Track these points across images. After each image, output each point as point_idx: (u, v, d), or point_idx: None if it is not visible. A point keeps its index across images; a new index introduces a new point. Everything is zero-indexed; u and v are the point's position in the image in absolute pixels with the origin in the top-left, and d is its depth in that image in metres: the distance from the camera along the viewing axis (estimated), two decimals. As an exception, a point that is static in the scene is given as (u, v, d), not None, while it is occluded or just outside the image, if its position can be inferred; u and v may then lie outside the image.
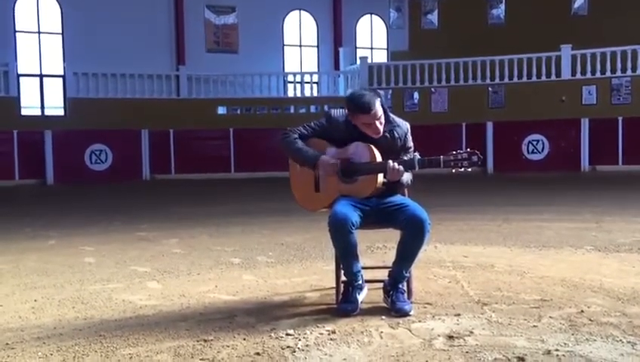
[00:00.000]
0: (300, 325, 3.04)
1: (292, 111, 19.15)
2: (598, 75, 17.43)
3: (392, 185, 3.30)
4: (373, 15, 21.74)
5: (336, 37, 21.02)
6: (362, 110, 3.19)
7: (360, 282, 3.28)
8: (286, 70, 20.40)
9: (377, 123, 3.23)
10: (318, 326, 3.00)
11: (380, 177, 3.27)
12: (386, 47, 21.84)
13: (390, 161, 3.16)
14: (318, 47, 21.23)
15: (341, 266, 3.31)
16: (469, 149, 3.18)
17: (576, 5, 20.41)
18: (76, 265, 4.99)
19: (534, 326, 2.89)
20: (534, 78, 17.92)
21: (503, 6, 21.02)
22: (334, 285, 3.81)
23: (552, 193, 10.82)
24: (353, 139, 3.30)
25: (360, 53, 20.79)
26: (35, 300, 3.80)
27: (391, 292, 3.20)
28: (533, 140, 16.54)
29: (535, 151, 16.51)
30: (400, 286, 3.23)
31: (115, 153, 16.52)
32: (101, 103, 17.48)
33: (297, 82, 19.56)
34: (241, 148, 17.36)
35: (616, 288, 3.67)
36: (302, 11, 20.88)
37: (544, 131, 16.44)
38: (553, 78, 17.87)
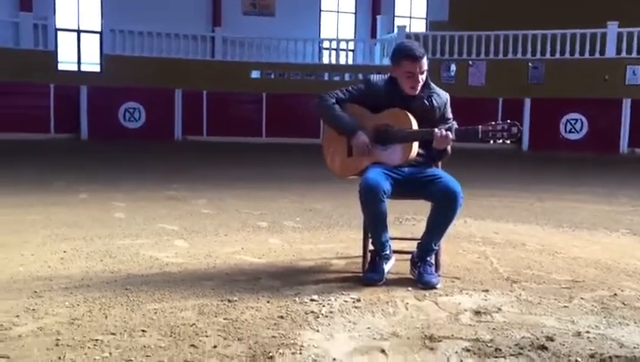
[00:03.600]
0: (324, 291, 3.01)
1: (326, 78, 18.99)
2: (644, 54, 16.89)
3: (429, 155, 3.21)
4: (413, -17, 21.30)
5: (375, 4, 20.68)
6: (410, 56, 3.12)
7: (387, 252, 3.23)
8: (322, 36, 20.18)
9: (420, 76, 3.14)
10: (342, 294, 2.97)
11: (415, 146, 3.19)
12: (425, 16, 21.41)
13: (436, 129, 3.08)
14: (355, 14, 20.93)
15: (369, 235, 3.26)
16: (509, 121, 3.07)
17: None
18: (106, 219, 5.04)
19: (565, 306, 2.81)
20: (577, 55, 17.43)
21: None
22: (361, 254, 3.79)
23: (588, 174, 10.58)
24: (392, 104, 3.22)
25: (398, 21, 20.44)
26: (65, 251, 3.84)
27: (418, 264, 3.15)
28: (571, 119, 16.14)
29: (573, 130, 16.12)
30: (428, 258, 3.17)
31: (149, 112, 16.62)
32: (136, 61, 17.54)
33: (333, 49, 19.34)
34: (273, 112, 17.30)
35: (651, 273, 3.56)
36: (341, -24, 20.56)
37: (583, 110, 16.01)
38: (597, 55, 17.35)
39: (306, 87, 18.20)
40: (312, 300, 2.87)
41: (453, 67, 18.35)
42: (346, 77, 18.76)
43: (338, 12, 20.78)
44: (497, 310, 2.73)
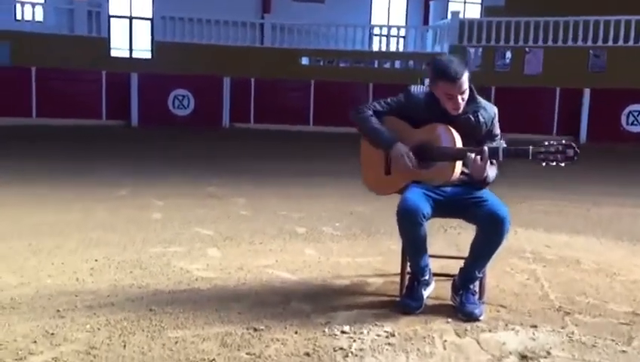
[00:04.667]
0: (357, 321, 2.81)
1: (376, 65, 18.64)
2: None
3: (473, 181, 2.94)
4: (469, -33, 20.62)
5: (428, -11, 20.15)
6: (447, 77, 2.83)
7: (427, 277, 3.00)
8: (372, 22, 19.79)
9: (460, 97, 2.87)
10: (376, 325, 2.77)
11: (459, 165, 2.93)
12: (480, 1, 20.71)
13: (473, 154, 2.81)
14: (407, -1, 20.46)
15: (408, 257, 3.03)
16: (564, 141, 2.77)
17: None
18: (142, 221, 4.97)
19: (623, 351, 2.53)
20: (641, 42, 16.55)
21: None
22: (399, 271, 3.58)
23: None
24: (433, 119, 2.96)
25: (452, 7, 19.85)
26: (96, 260, 3.76)
27: (460, 292, 2.91)
28: (634, 111, 15.34)
29: (635, 122, 15.34)
30: (471, 286, 2.93)
31: (198, 99, 16.66)
32: (186, 48, 17.60)
33: (383, 35, 18.95)
34: (322, 100, 17.07)
35: None
36: (393, -39, 20.08)
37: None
38: (664, 42, 16.43)
39: (356, 74, 17.93)
40: (342, 332, 2.67)
41: (508, 54, 17.71)
42: (397, 64, 18.37)
43: (390, -3, 20.34)
44: (546, 354, 2.47)
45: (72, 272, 3.51)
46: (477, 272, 2.94)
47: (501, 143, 2.88)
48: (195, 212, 5.40)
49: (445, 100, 2.89)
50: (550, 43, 17.32)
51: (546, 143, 2.76)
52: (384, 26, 19.15)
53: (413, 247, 2.93)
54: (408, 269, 3.13)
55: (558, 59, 16.95)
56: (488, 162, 2.82)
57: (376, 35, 19.04)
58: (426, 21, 19.84)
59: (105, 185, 6.70)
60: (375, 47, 18.97)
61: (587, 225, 5.33)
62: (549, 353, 2.48)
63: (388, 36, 18.83)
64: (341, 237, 4.65)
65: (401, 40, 19.29)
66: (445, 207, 2.93)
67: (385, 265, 3.82)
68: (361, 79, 17.51)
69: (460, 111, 2.92)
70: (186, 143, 12.64)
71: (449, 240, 4.54)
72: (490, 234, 2.80)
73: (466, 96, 2.90)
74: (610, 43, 16.89)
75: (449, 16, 18.76)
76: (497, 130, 3.03)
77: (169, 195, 6.15)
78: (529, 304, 3.13)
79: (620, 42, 16.80)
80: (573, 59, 16.88)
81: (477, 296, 2.94)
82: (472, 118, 2.96)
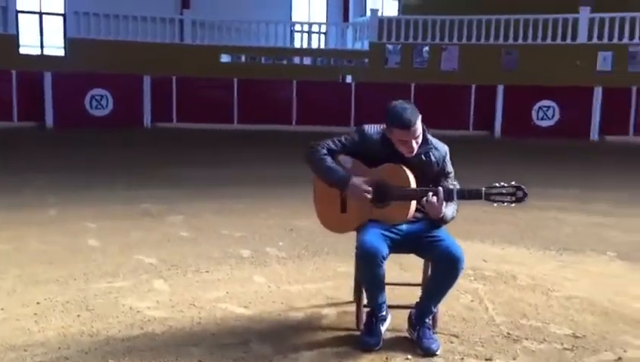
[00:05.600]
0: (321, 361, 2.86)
1: (297, 62, 18.67)
2: (615, 40, 16.93)
3: (430, 219, 3.04)
4: (386, -36, 20.96)
5: (347, -14, 20.34)
6: (402, 125, 2.91)
7: (384, 313, 3.08)
8: (293, 19, 19.79)
9: (414, 141, 2.96)
10: (340, 366, 2.83)
11: (414, 204, 3.02)
12: (397, -2, 21.16)
13: (430, 194, 2.90)
14: (327, -5, 20.58)
15: (366, 294, 3.09)
16: (513, 183, 2.93)
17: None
18: (79, 249, 4.79)
19: (573, 382, 2.71)
20: (549, 40, 17.41)
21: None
22: (351, 299, 3.66)
23: (563, 168, 10.62)
24: (387, 158, 3.04)
25: (370, 4, 20.14)
26: (38, 303, 3.60)
27: (417, 327, 3.01)
28: (544, 106, 16.18)
29: (545, 117, 16.18)
30: (427, 320, 3.03)
31: (116, 99, 16.13)
32: (102, 45, 16.98)
33: (305, 32, 18.99)
34: (246, 98, 16.94)
35: (648, 320, 3.50)
36: (313, -43, 20.12)
37: (556, 97, 16.06)
38: (569, 41, 17.36)
39: (278, 71, 17.90)
40: (309, 378, 2.71)
41: (425, 51, 18.15)
42: (318, 61, 18.47)
43: (310, -6, 20.39)
44: (504, 391, 2.61)
45: (15, 320, 3.35)
46: (432, 307, 3.05)
47: (455, 185, 2.99)
48: (133, 235, 5.26)
49: (399, 145, 2.97)
50: (465, 41, 17.92)
51: (498, 185, 2.90)
52: (305, 22, 19.21)
53: (372, 287, 3.00)
54: (364, 302, 3.21)
55: (474, 57, 17.59)
56: (444, 202, 2.92)
57: (297, 31, 19.07)
58: (346, 18, 20.05)
59: (31, 205, 6.40)
60: (297, 44, 18.98)
61: (516, 234, 5.61)
62: (506, 389, 2.62)
63: (309, 33, 18.90)
64: (286, 259, 4.67)
65: (322, 37, 19.40)
66: (401, 245, 3.01)
67: (336, 292, 3.88)
68: (284, 76, 17.52)
69: (414, 153, 3.00)
70: (107, 147, 12.24)
71: (393, 259, 4.63)
72: (445, 272, 2.91)
73: (419, 140, 2.99)
74: (520, 41, 17.67)
75: (368, 13, 19.03)
76: (450, 168, 3.14)
77: (101, 215, 5.95)
78: (479, 331, 3.28)
79: (530, 40, 17.61)
80: (487, 56, 17.56)
81: (432, 331, 3.05)
82: (425, 158, 3.06)
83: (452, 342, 3.11)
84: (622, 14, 16.73)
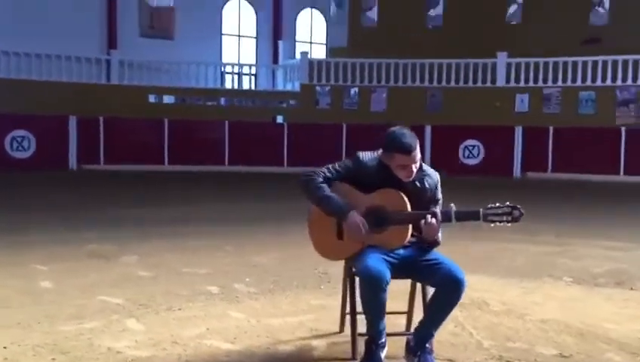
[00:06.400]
0: (327, 393, 2.79)
1: (226, 103, 18.62)
2: (531, 83, 17.97)
3: (424, 242, 3.07)
4: (313, 9, 21.47)
5: (276, 29, 20.67)
6: (403, 150, 2.96)
7: (384, 340, 3.06)
8: (223, 60, 19.82)
9: (413, 166, 3.01)
10: (348, 396, 2.76)
11: (410, 228, 3.05)
12: (324, 42, 21.65)
13: (429, 216, 2.95)
14: (256, 38, 20.78)
15: (366, 321, 3.04)
16: (508, 203, 3.02)
17: (510, 12, 20.71)
18: (34, 291, 4.51)
19: (579, 398, 2.77)
20: (471, 83, 18.26)
21: (440, 8, 21.07)
22: (337, 330, 3.63)
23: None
24: (382, 184, 3.07)
25: (299, 47, 20.51)
26: (5, 347, 3.33)
27: (418, 353, 3.00)
28: (469, 145, 16.86)
29: (471, 156, 16.85)
30: (427, 345, 3.04)
31: (39, 140, 15.50)
32: (25, 85, 16.33)
33: (235, 73, 19.04)
34: (177, 139, 16.70)
35: (622, 338, 3.64)
36: (241, 0, 20.31)
37: (480, 137, 16.78)
38: (489, 84, 18.28)
39: (209, 112, 17.80)
40: (320, 409, 2.63)
41: (353, 93, 18.56)
42: (249, 102, 18.51)
43: (239, 36, 20.52)
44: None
45: (-17, 367, 3.08)
46: (433, 331, 3.06)
47: (452, 207, 3.04)
48: (88, 276, 5.00)
49: (399, 170, 3.01)
50: (392, 83, 18.51)
51: (495, 205, 2.98)
52: (235, 64, 19.26)
53: (376, 313, 2.98)
54: (359, 331, 3.18)
55: (401, 98, 18.16)
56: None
57: (228, 72, 19.08)
58: (275, 60, 20.28)
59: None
60: (227, 85, 18.97)
61: (474, 264, 5.71)
62: (520, 408, 2.65)
63: (240, 74, 18.96)
64: (258, 294, 4.57)
65: (253, 78, 19.51)
66: (400, 270, 3.02)
67: (318, 324, 3.82)
68: (215, 117, 17.43)
69: (412, 178, 3.05)
70: (34, 189, 11.65)
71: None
72: (448, 295, 2.94)
73: (417, 164, 3.04)
74: (444, 84, 18.44)
75: (297, 55, 19.34)
76: (440, 195, 3.21)
77: (49, 258, 5.62)
78: (471, 355, 3.31)
79: (452, 83, 18.40)
80: (413, 98, 18.18)
81: (433, 356, 3.05)
82: (419, 185, 3.11)
83: (450, 367, 3.12)
84: (535, 59, 17.82)
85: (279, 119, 18.40)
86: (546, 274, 5.40)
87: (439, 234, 3.04)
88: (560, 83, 17.74)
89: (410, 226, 3.05)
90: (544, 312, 4.19)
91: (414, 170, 3.03)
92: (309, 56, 19.06)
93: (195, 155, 16.46)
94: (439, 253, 3.11)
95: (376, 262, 2.90)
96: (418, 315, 3.55)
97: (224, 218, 8.49)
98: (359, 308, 3.14)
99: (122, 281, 4.87)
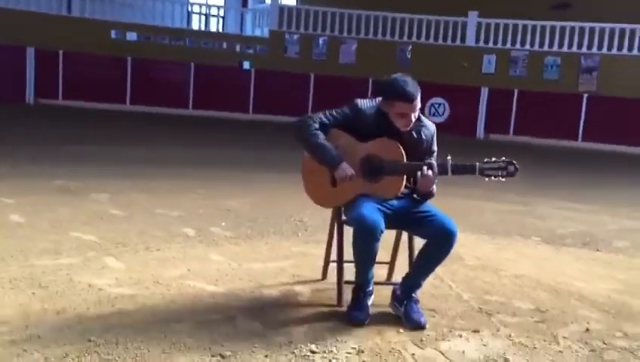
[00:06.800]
0: (317, 337, 2.80)
1: (194, 44, 18.11)
2: (499, 45, 18.03)
3: (413, 190, 3.08)
4: (285, -48, 20.86)
5: (246, -29, 20.03)
6: (405, 98, 2.92)
7: (371, 288, 3.09)
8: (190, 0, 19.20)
9: (412, 115, 2.99)
10: (338, 340, 2.78)
11: (405, 179, 3.05)
12: (296, -12, 21.15)
13: (425, 168, 2.94)
14: (226, -22, 20.14)
15: (356, 268, 3.03)
16: (504, 158, 3.03)
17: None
18: (5, 225, 4.36)
19: (560, 351, 2.86)
20: (440, 41, 18.21)
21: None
22: (320, 278, 3.65)
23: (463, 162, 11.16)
24: (380, 132, 3.03)
25: (270, -9, 19.97)
26: (-21, 279, 3.23)
27: (405, 302, 3.03)
28: (435, 103, 16.94)
29: (436, 113, 16.94)
30: (414, 294, 3.07)
31: (-5, 71, 14.84)
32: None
33: (202, 14, 18.48)
34: (140, 79, 16.23)
35: (593, 296, 3.77)
36: (212, -63, 19.60)
37: (446, 95, 16.84)
38: (458, 42, 18.26)
39: (174, 52, 17.30)
40: (312, 352, 2.65)
41: (322, 42, 18.29)
42: (217, 45, 18.05)
43: (208, -25, 19.86)
44: (505, 361, 2.71)
45: (-40, 298, 2.98)
46: (422, 281, 3.10)
47: (448, 160, 3.04)
48: (59, 212, 4.87)
49: (397, 118, 2.98)
50: (363, 35, 18.29)
51: (492, 160, 2.99)
52: (203, 4, 18.68)
53: (367, 261, 2.98)
54: (346, 278, 3.20)
55: (370, 51, 17.99)
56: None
57: (194, 13, 18.50)
58: (244, 3, 19.74)
59: None
60: (194, 26, 18.42)
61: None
62: (506, 359, 2.72)
63: (207, 15, 18.41)
64: (236, 238, 4.54)
65: (221, 20, 18.98)
66: (393, 220, 3.02)
67: (300, 271, 3.82)
68: (181, 57, 16.97)
69: (409, 127, 3.03)
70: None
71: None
72: (440, 247, 2.96)
73: (417, 114, 3.02)
74: (414, 39, 18.33)
75: (268, 0, 18.87)
76: (435, 147, 3.20)
77: (14, 191, 5.46)
78: (453, 306, 3.37)
79: (422, 39, 18.31)
80: (382, 52, 18.02)
81: (419, 305, 3.09)
82: (416, 136, 3.09)
83: (433, 316, 3.17)
84: (505, 20, 17.84)
85: (246, 65, 18.02)
86: (516, 232, 5.53)
87: (434, 186, 3.04)
88: (527, 46, 17.85)
89: (405, 177, 3.05)
90: (517, 268, 4.30)
91: (413, 119, 3.00)
92: (279, 1, 18.60)
93: (158, 96, 16.07)
94: (432, 205, 3.12)
95: (371, 211, 2.89)
96: (399, 266, 3.62)
97: (189, 161, 8.37)
98: (346, 256, 3.17)
99: (95, 219, 4.76)
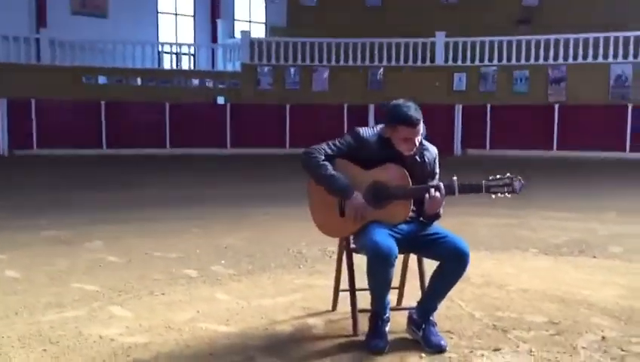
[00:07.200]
0: (341, 370, 2.78)
1: (168, 84, 18.13)
2: (468, 62, 18.37)
3: (419, 214, 3.10)
4: (251, -13, 21.13)
5: (214, 8, 20.19)
6: (409, 123, 2.96)
7: (388, 314, 3.08)
8: (160, 40, 19.23)
9: (416, 139, 3.02)
10: (363, 371, 2.77)
11: (411, 203, 3.07)
12: (264, 21, 21.35)
13: (432, 190, 2.97)
14: (194, 17, 20.25)
15: (372, 296, 3.03)
16: (508, 174, 3.07)
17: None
18: (1, 282, 4.27)
19: (582, 361, 2.88)
20: (411, 62, 18.49)
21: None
22: (329, 308, 3.64)
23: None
24: (383, 159, 3.06)
25: (238, 26, 20.15)
26: (-12, 340, 3.15)
27: (423, 326, 3.03)
28: (411, 124, 17.08)
29: (413, 134, 17.07)
30: (431, 318, 3.07)
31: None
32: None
33: (173, 53, 18.53)
34: (115, 122, 16.18)
35: (601, 303, 3.80)
36: (177, -23, 19.76)
37: (422, 115, 16.99)
38: (428, 63, 18.56)
39: (148, 93, 17.29)
40: (339, 385, 2.63)
41: (294, 72, 18.43)
42: (190, 82, 18.06)
43: (176, 14, 19.95)
44: (531, 376, 2.72)
45: (-30, 361, 2.90)
46: (438, 304, 3.10)
47: (454, 180, 3.07)
48: (56, 263, 4.79)
49: (402, 142, 3.01)
50: (333, 62, 18.51)
51: (497, 177, 3.03)
52: (173, 43, 18.75)
53: (383, 288, 2.98)
54: (361, 307, 3.19)
55: (342, 78, 18.20)
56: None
57: (166, 52, 18.54)
58: (214, 39, 19.85)
59: None
60: (166, 65, 18.45)
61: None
62: (532, 374, 2.73)
63: (178, 54, 18.46)
64: (238, 275, 4.50)
65: (192, 58, 19.04)
66: (404, 245, 3.03)
67: (309, 303, 3.80)
68: (154, 99, 16.96)
69: (413, 151, 3.06)
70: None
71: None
72: (454, 268, 2.98)
73: (420, 138, 3.05)
74: (385, 63, 18.58)
75: (237, 34, 19.00)
76: (437, 169, 3.23)
77: (5, 245, 5.35)
78: (467, 326, 3.38)
79: (392, 62, 18.58)
80: (355, 77, 18.26)
81: (437, 327, 3.09)
82: (419, 159, 3.12)
83: (451, 338, 3.17)
84: (472, 39, 18.21)
85: (220, 100, 18.07)
86: (513, 246, 5.58)
87: (441, 208, 3.07)
88: (496, 62, 18.22)
89: (412, 201, 3.07)
90: (521, 282, 4.33)
91: (417, 143, 3.04)
92: (249, 35, 18.75)
93: (134, 138, 16.02)
94: (440, 227, 3.14)
95: (384, 237, 2.90)
96: (408, 291, 3.62)
97: (177, 201, 8.33)
98: (358, 284, 3.17)
99: (94, 268, 4.69)
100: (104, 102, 16.03)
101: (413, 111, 2.99)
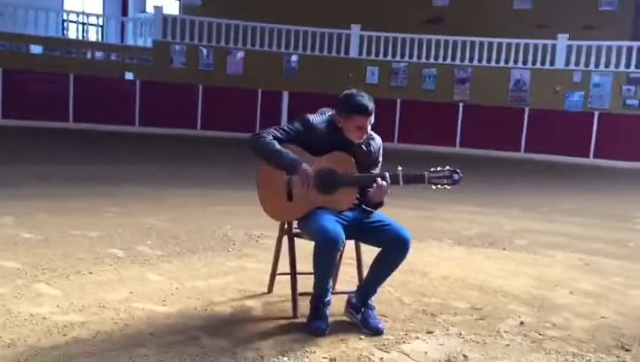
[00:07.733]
0: (286, 350, 2.85)
1: (73, 55, 17.27)
2: (381, 57, 18.81)
3: (362, 201, 3.22)
4: (166, -39, 20.45)
5: (126, -21, 19.42)
6: (361, 111, 3.06)
7: (329, 298, 3.18)
8: (66, 8, 18.25)
9: (368, 127, 3.14)
10: (307, 351, 2.85)
11: (357, 190, 3.18)
12: (178, -2, 20.80)
13: (379, 179, 3.09)
14: (104, -14, 19.41)
15: (315, 279, 3.11)
16: (448, 167, 3.25)
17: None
18: None
19: (507, 344, 3.11)
20: (326, 52, 18.68)
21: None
22: (264, 291, 3.70)
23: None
24: (331, 146, 3.15)
25: (150, 0, 19.49)
26: None
27: (362, 309, 3.16)
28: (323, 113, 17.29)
29: (325, 123, 17.31)
30: (370, 301, 3.21)
31: None
32: None
33: (80, 23, 17.66)
34: (12, 91, 15.22)
35: (515, 292, 4.10)
36: (87, -57, 18.81)
37: (335, 105, 17.25)
38: (342, 54, 18.83)
39: (51, 63, 16.39)
40: (286, 364, 2.70)
41: (206, 52, 18.09)
42: (97, 55, 17.31)
43: (85, -17, 19.02)
44: (464, 357, 2.90)
45: None
46: (377, 289, 3.24)
47: (400, 170, 3.20)
48: (-34, 238, 4.52)
49: (354, 130, 3.11)
50: (249, 46, 18.35)
51: (438, 169, 3.21)
52: (80, 12, 17.85)
53: (327, 271, 3.07)
54: (301, 290, 3.28)
55: (258, 63, 18.08)
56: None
57: (72, 21, 17.63)
58: (124, 12, 19.10)
59: None
60: (71, 35, 17.54)
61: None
62: (465, 356, 2.92)
63: (85, 24, 17.62)
64: (168, 256, 4.45)
65: (100, 30, 18.23)
66: (349, 231, 3.13)
67: (244, 286, 3.84)
68: (58, 69, 16.11)
69: (363, 139, 3.17)
70: None
71: (264, 248, 4.71)
72: (395, 255, 3.12)
73: (370, 127, 3.17)
74: (300, 51, 18.66)
75: (149, 9, 18.39)
76: (381, 158, 3.37)
77: None
78: (399, 310, 3.55)
79: (308, 51, 18.69)
80: (270, 63, 18.20)
81: (375, 311, 3.23)
82: (365, 148, 3.24)
83: (386, 321, 3.32)
84: (386, 34, 18.66)
85: (129, 75, 17.45)
86: (429, 236, 5.84)
87: (385, 197, 3.20)
88: (407, 58, 18.78)
89: (357, 188, 3.18)
90: (441, 270, 4.57)
91: (368, 131, 3.15)
92: (162, 11, 18.19)
93: (35, 110, 15.16)
94: (383, 215, 3.28)
95: (332, 223, 3.00)
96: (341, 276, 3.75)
97: (88, 179, 8.02)
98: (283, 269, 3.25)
99: (8, 243, 4.47)
100: (2, 68, 15.03)
101: (367, 100, 3.10)
